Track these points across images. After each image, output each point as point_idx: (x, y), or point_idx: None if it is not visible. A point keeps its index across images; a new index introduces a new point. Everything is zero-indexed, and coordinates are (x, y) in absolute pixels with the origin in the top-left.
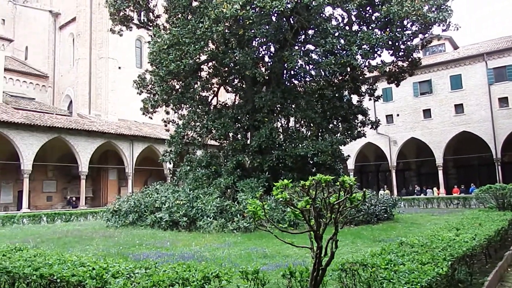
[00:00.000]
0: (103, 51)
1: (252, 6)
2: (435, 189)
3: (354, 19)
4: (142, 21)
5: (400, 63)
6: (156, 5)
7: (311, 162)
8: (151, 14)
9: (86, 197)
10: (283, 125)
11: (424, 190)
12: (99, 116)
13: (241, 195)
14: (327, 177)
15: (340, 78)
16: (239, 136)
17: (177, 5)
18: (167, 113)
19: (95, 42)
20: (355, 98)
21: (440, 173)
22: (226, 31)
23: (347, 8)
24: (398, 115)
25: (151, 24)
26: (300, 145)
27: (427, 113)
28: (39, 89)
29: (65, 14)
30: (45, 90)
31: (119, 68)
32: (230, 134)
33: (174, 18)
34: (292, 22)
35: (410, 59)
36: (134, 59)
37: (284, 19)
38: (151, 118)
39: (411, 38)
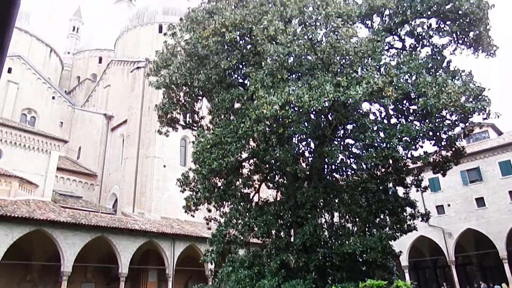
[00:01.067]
0: (150, 150)
1: (291, 106)
2: (504, 285)
3: (391, 112)
4: (188, 123)
5: (444, 152)
6: (201, 107)
7: (360, 260)
8: (196, 116)
9: None
10: (328, 221)
11: (492, 287)
12: (142, 214)
13: None
14: (380, 282)
15: (383, 170)
16: (282, 233)
17: (220, 107)
18: (209, 211)
19: (143, 142)
20: (401, 190)
21: (506, 266)
22: (267, 129)
23: (383, 103)
24: (449, 205)
25: (195, 125)
26: (347, 242)
27: (480, 201)
28: (87, 187)
29: (117, 116)
30: (93, 188)
31: (164, 166)
32: (273, 232)
33: (217, 119)
34: (330, 118)
35: (453, 148)
36: (179, 158)
37: (323, 116)
38: (193, 216)
39: (452, 127)
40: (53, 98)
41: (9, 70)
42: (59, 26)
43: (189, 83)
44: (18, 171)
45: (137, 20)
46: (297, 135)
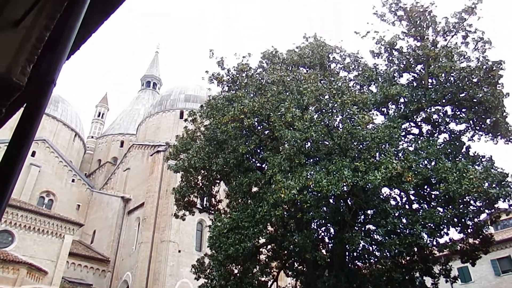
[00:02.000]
0: (165, 234)
1: (309, 190)
2: None
3: (412, 198)
4: (205, 206)
5: (471, 240)
6: (218, 191)
7: None
8: (213, 199)
9: None
10: None
11: None
12: None
13: None
14: None
15: (408, 258)
16: None
17: (238, 191)
18: None
19: (158, 226)
20: (428, 281)
21: None
22: (285, 214)
23: (404, 188)
24: None
25: (212, 209)
26: None
27: None
28: (99, 274)
29: (135, 199)
30: (104, 275)
31: (179, 251)
32: None
33: (235, 203)
34: (350, 203)
35: (481, 236)
36: (194, 243)
37: (342, 201)
38: None
39: (477, 214)
40: (73, 181)
41: (33, 154)
42: (85, 112)
43: (207, 167)
44: (29, 257)
45: (160, 107)
46: (316, 220)
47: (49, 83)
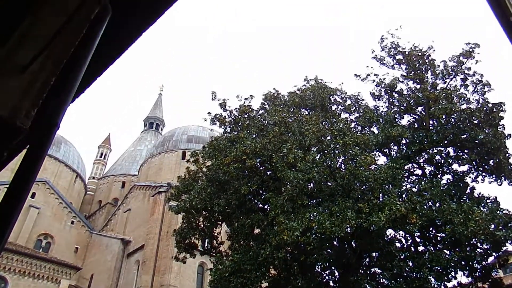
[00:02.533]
0: (165, 278)
1: (313, 232)
2: None
3: (418, 240)
4: (206, 248)
5: (479, 284)
6: (220, 232)
7: None
8: (214, 241)
9: None
10: None
11: None
12: None
13: None
14: None
15: None
16: None
17: (240, 232)
18: None
19: (158, 269)
20: None
21: None
22: (288, 256)
23: (408, 230)
24: None
25: (214, 251)
26: None
27: None
28: None
29: (135, 241)
30: None
31: None
32: None
33: (237, 245)
34: (354, 246)
35: (490, 280)
36: (195, 287)
37: (346, 243)
38: None
39: (485, 257)
40: (72, 222)
41: (33, 195)
42: (88, 152)
43: (209, 208)
44: None
45: (162, 147)
46: (320, 263)
47: (52, 127)
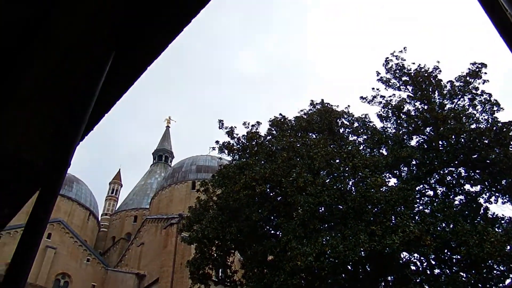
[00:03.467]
0: None
1: (326, 256)
2: None
3: (433, 262)
4: (220, 278)
5: None
6: (233, 261)
7: None
8: (228, 270)
9: None
10: None
11: None
12: None
13: None
14: None
15: None
16: None
17: (253, 260)
18: None
19: None
20: None
21: None
22: (302, 283)
23: (423, 252)
24: None
25: (228, 280)
26: None
27: None
28: None
29: (149, 275)
30: None
31: None
32: None
33: (250, 273)
34: (368, 269)
35: None
36: None
37: (360, 267)
38: None
39: (502, 279)
40: (88, 260)
41: (49, 236)
42: (99, 189)
43: (221, 237)
44: None
45: (172, 179)
46: None
47: (63, 166)
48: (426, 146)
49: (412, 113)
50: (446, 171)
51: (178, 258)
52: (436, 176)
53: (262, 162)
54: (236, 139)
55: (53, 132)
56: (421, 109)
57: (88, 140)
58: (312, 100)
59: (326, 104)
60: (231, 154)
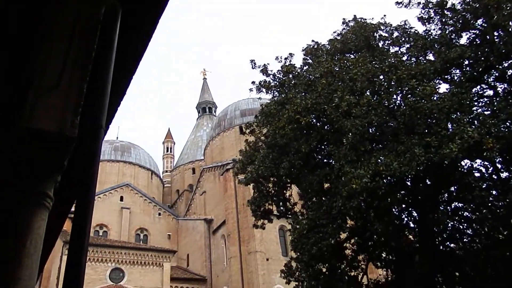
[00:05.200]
0: (251, 246)
1: (381, 176)
2: None
3: (499, 166)
4: (281, 212)
5: None
6: (291, 194)
7: None
8: (287, 203)
9: None
10: None
11: None
12: None
13: None
14: None
15: (505, 233)
16: None
17: (310, 190)
18: None
19: (243, 239)
20: None
21: None
22: (361, 205)
23: (487, 157)
24: None
25: (289, 213)
26: None
27: None
28: None
29: (216, 219)
30: None
31: (267, 260)
32: None
33: (309, 203)
34: (429, 183)
35: None
36: (280, 249)
37: (419, 182)
38: None
39: None
40: (159, 214)
41: (121, 198)
42: (155, 149)
43: (275, 173)
44: (139, 287)
45: (219, 128)
46: (396, 206)
47: (99, 128)
48: (478, 42)
49: (458, 6)
50: (505, 65)
51: (239, 200)
52: (495, 73)
53: (302, 93)
54: (271, 76)
55: (80, 100)
56: (468, 0)
57: (135, 108)
58: (344, 19)
59: (359, 20)
60: (269, 92)
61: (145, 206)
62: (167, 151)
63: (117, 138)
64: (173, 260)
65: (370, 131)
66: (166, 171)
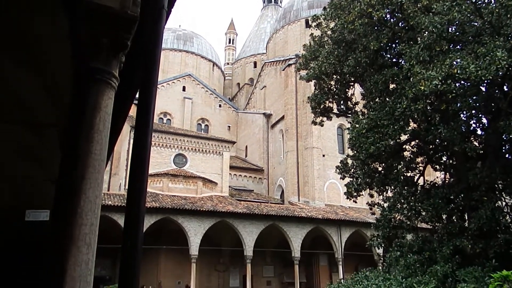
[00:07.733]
0: (308, 142)
1: (454, 79)
2: None
3: None
4: (341, 110)
5: None
6: (353, 93)
7: None
8: (348, 102)
9: (301, 282)
10: (509, 204)
11: None
12: (307, 203)
13: (463, 285)
14: None
15: None
16: (453, 217)
17: (374, 90)
18: (371, 196)
19: (300, 135)
20: None
21: None
22: (427, 107)
23: None
24: None
25: (349, 112)
26: None
27: None
28: (256, 181)
29: (275, 114)
30: (261, 182)
31: (323, 156)
32: (443, 216)
33: (371, 103)
34: (505, 89)
35: None
36: (336, 146)
37: (496, 87)
38: (356, 202)
39: None
40: (220, 106)
41: (184, 88)
42: (217, 41)
43: (339, 71)
44: (200, 173)
45: (284, 20)
46: (465, 111)
47: (161, 9)
48: None
49: None
50: None
51: (299, 96)
52: None
53: None
54: None
55: None
56: None
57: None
58: None
59: None
60: None
61: (206, 97)
62: (229, 42)
63: (179, 26)
64: (232, 150)
65: (450, 30)
66: (228, 63)
